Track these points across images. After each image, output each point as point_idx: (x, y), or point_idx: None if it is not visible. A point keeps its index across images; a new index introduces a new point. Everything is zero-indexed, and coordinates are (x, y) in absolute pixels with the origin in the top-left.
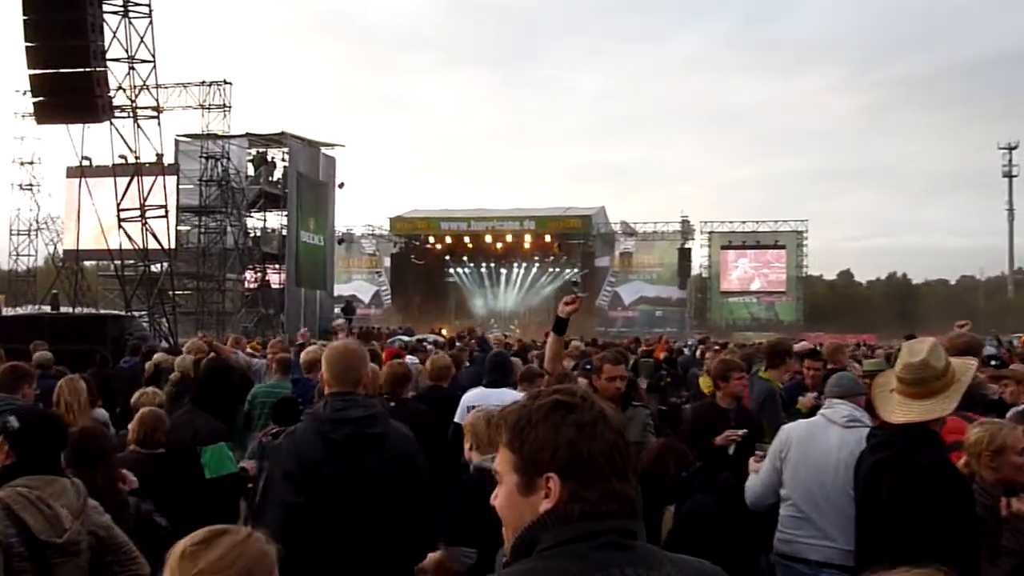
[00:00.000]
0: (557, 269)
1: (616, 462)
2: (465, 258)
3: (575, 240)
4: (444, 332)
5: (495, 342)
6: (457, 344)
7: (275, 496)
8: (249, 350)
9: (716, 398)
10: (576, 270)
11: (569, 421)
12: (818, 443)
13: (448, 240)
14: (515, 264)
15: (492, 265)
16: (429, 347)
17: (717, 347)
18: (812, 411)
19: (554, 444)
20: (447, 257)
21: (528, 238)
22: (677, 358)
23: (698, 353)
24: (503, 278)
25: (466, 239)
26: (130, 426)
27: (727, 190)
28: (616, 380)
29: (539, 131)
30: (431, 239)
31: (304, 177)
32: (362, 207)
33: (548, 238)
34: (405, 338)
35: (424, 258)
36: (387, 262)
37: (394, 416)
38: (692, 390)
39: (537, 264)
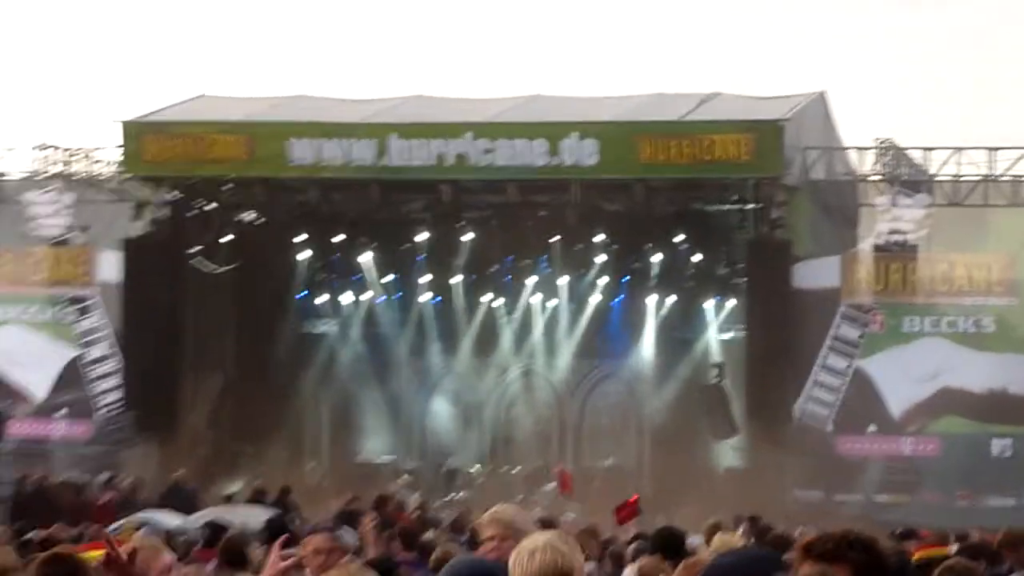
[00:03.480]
0: (668, 289)
1: None
2: (372, 254)
3: (722, 205)
4: (293, 498)
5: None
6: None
7: None
8: None
9: None
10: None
11: None
12: None
13: (307, 198)
14: (524, 268)
15: (449, 275)
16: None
17: None
18: None
19: None
20: (302, 257)
21: (576, 193)
22: None
23: None
24: (482, 318)
25: (372, 194)
26: None
27: None
28: None
29: None
30: (256, 194)
31: None
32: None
33: (641, 193)
34: (166, 522)
35: (239, 254)
36: (108, 266)
37: None
38: None
39: (592, 266)
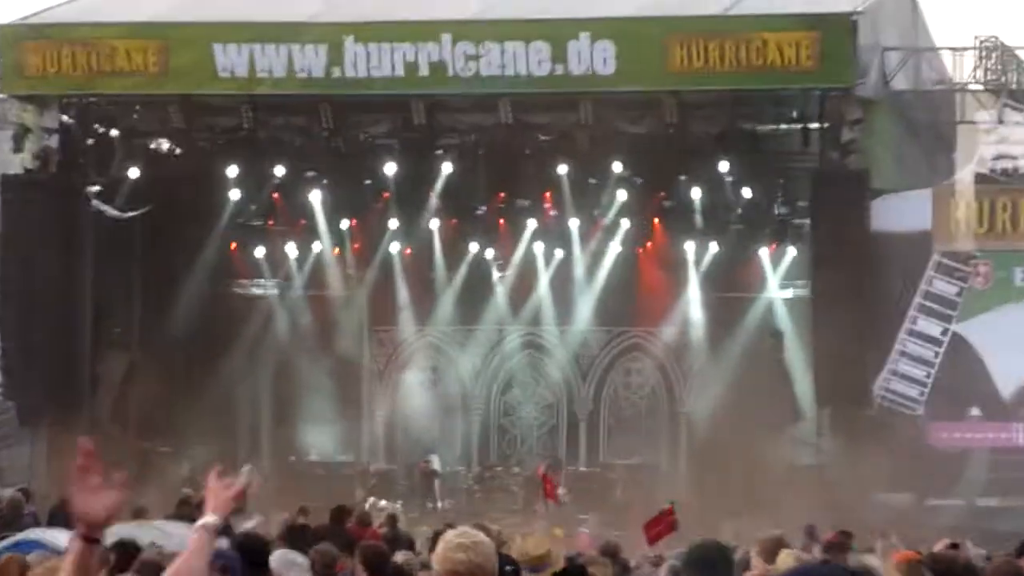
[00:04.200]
0: (711, 234)
1: None
2: (323, 192)
3: (778, 125)
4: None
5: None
6: None
7: None
8: None
9: None
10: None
11: None
12: None
13: (238, 121)
14: (521, 209)
15: (424, 219)
16: None
17: None
18: None
19: None
20: (231, 197)
21: (587, 111)
22: None
23: None
24: (467, 275)
25: (323, 115)
26: None
27: None
28: None
29: None
30: (172, 116)
31: None
32: None
33: (672, 110)
34: (60, 543)
35: (150, 195)
36: None
37: None
38: None
39: (611, 206)
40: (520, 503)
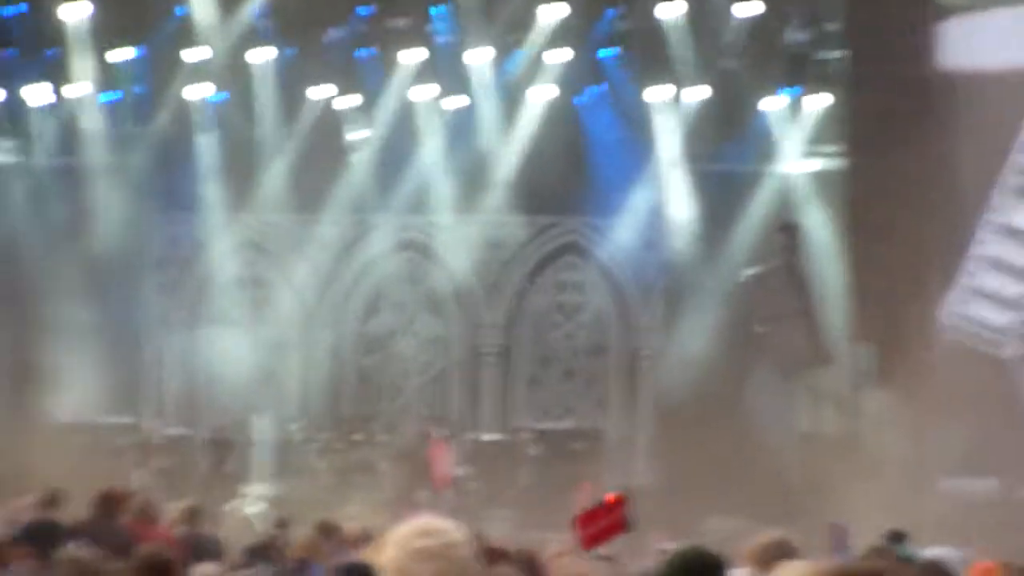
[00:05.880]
0: (695, 72)
1: None
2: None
3: None
4: None
5: None
6: None
7: None
8: None
9: None
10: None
11: None
12: None
13: None
14: (394, 31)
15: (243, 47)
16: None
17: None
18: None
19: None
20: None
21: None
22: None
23: None
24: (309, 133)
25: None
26: None
27: None
28: None
29: None
30: None
31: None
32: None
33: None
34: None
35: None
36: None
37: None
38: None
39: (532, 25)
40: (391, 489)
